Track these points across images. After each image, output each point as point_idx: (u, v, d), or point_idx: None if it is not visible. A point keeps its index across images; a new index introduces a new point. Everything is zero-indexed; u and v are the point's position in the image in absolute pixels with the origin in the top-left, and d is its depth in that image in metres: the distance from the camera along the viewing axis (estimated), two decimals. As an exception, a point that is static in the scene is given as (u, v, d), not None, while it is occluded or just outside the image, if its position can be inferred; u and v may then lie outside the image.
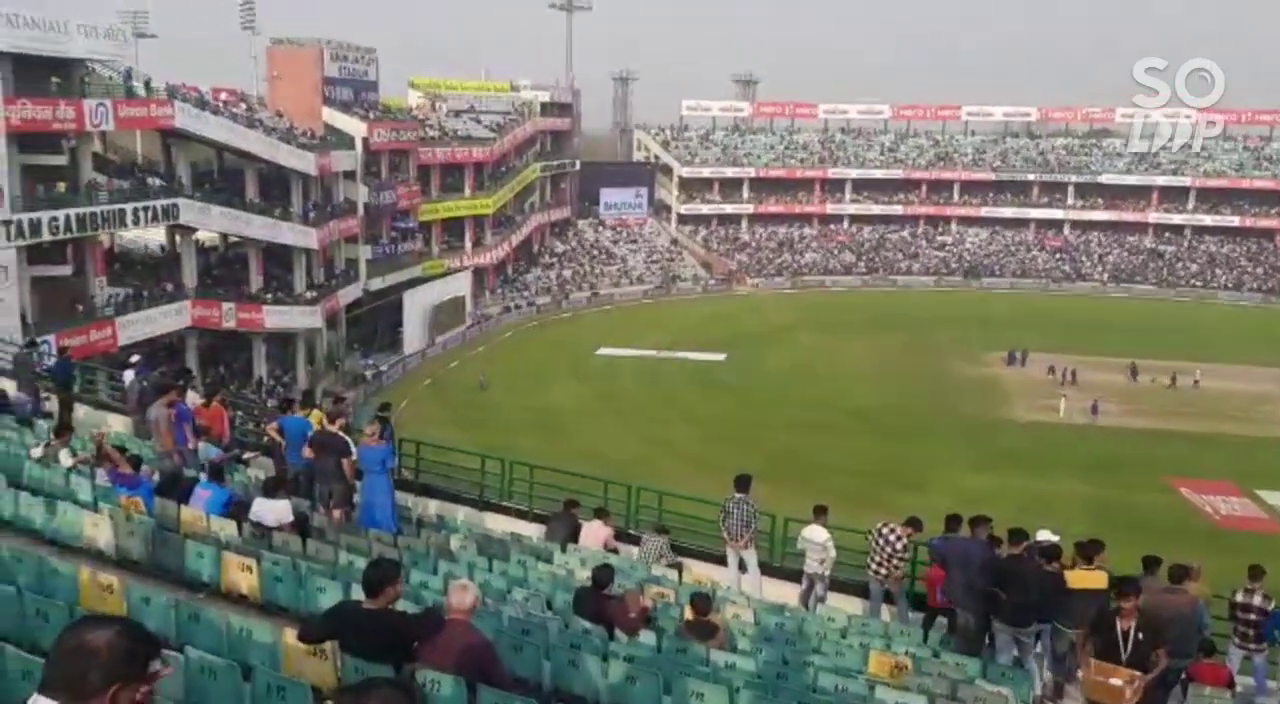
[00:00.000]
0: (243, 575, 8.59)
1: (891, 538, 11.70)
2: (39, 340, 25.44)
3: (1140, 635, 8.48)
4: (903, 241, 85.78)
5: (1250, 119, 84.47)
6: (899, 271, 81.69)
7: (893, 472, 35.48)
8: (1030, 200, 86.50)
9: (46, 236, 32.22)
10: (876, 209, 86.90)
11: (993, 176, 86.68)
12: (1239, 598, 10.47)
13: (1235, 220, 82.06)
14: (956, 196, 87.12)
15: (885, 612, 12.13)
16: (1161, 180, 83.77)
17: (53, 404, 17.24)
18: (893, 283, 79.64)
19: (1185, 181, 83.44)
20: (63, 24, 32.60)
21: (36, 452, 12.39)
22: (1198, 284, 78.54)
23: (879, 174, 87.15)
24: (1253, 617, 10.25)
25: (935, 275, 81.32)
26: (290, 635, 6.19)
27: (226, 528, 10.09)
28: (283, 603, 8.36)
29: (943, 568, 11.02)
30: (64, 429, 13.21)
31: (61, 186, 34.09)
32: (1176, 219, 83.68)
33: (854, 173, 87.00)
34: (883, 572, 11.76)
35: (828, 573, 12.46)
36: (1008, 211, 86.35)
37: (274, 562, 8.72)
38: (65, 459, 12.02)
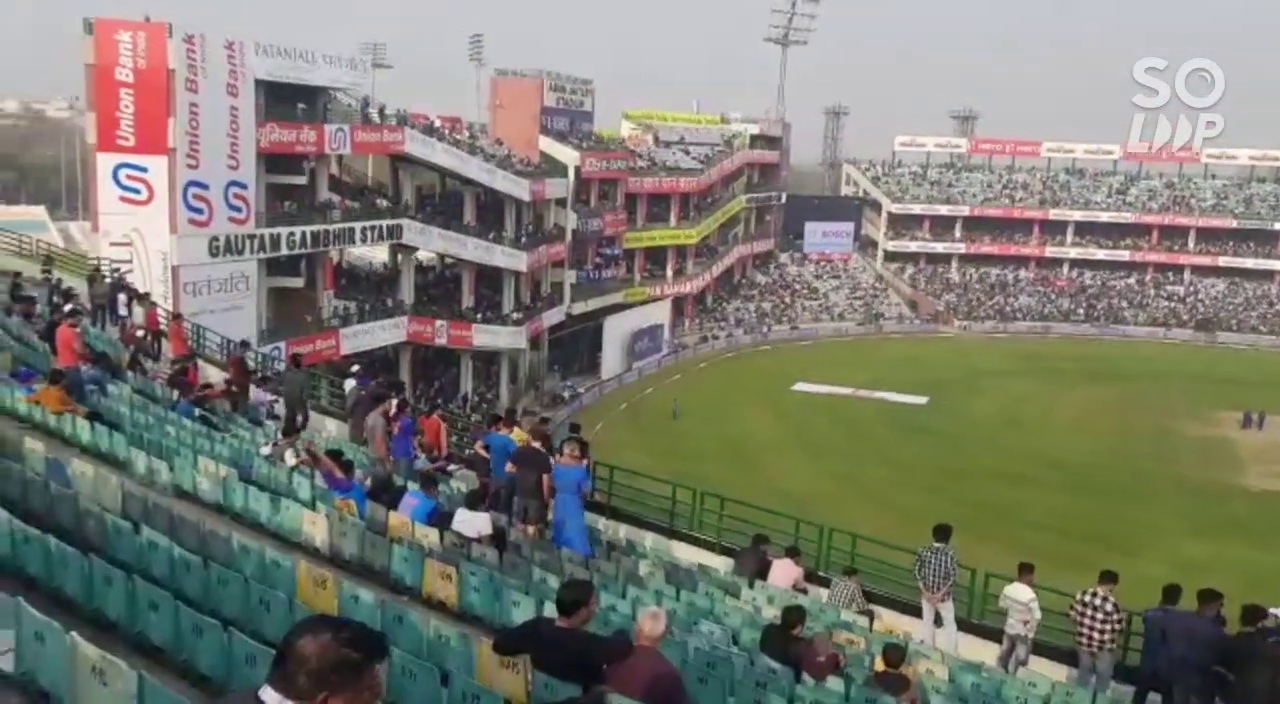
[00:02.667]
0: (442, 583, 8.92)
1: (1098, 602, 10.95)
2: (271, 347, 27.47)
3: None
4: (1128, 289, 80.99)
5: None
6: (1122, 321, 77.09)
7: (1102, 533, 33.31)
8: (1276, 251, 79.90)
9: (284, 251, 34.86)
10: (1100, 254, 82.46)
11: (1234, 224, 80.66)
12: None
13: None
14: (1192, 244, 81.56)
15: (1093, 682, 11.34)
16: None
17: (280, 407, 18.51)
18: (1115, 332, 75.18)
19: None
20: (311, 54, 35.35)
21: (265, 450, 13.34)
22: None
23: (1105, 217, 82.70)
24: None
25: (1163, 327, 76.22)
26: (485, 645, 6.36)
27: (430, 535, 10.52)
28: (478, 613, 8.62)
29: (1161, 642, 10.21)
30: (291, 430, 14.17)
31: (299, 206, 36.81)
32: None
33: (1077, 215, 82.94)
34: (1094, 640, 11.01)
35: (1031, 635, 11.78)
36: (1250, 262, 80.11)
37: (472, 572, 9.01)
38: (289, 458, 12.87)
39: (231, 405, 17.21)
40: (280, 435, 13.83)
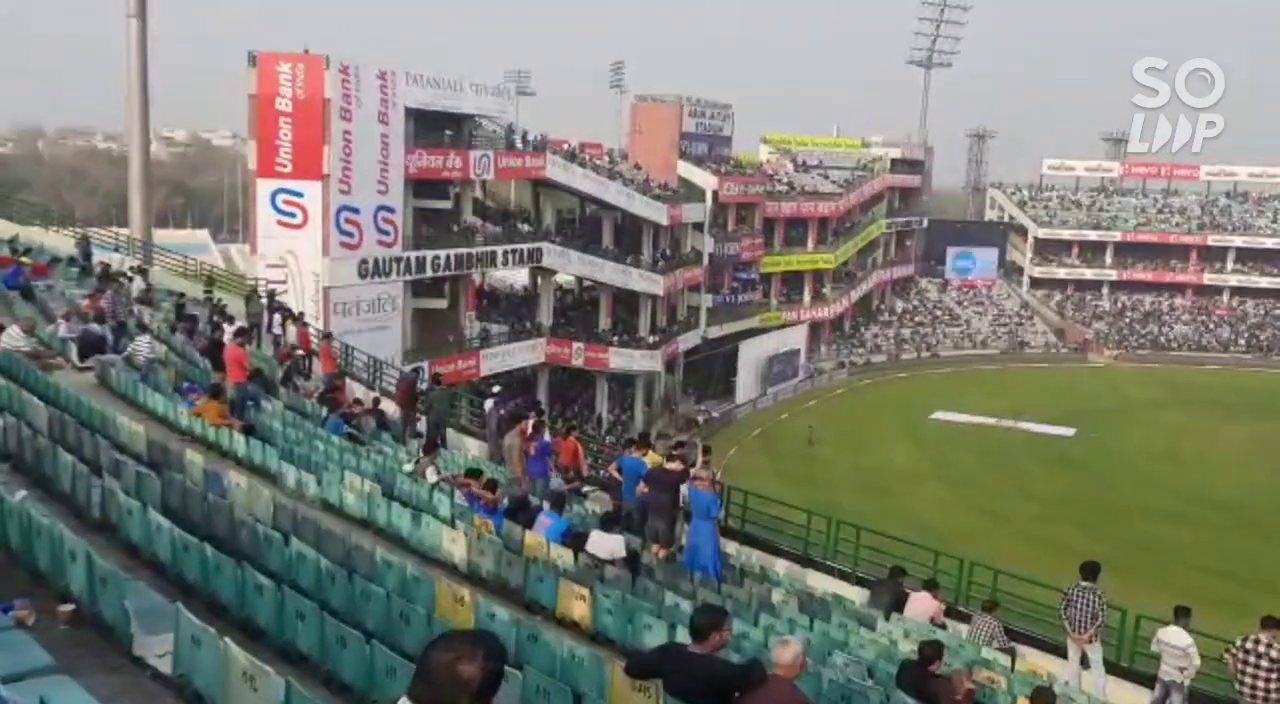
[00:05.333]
0: (576, 603, 8.99)
1: (1262, 650, 10.26)
2: (413, 366, 28.33)
3: None
4: (1294, 319, 76.22)
5: None
6: (1288, 352, 72.56)
7: (1267, 577, 31.17)
8: None
9: (429, 273, 36.01)
10: (1264, 282, 77.87)
11: None
12: None
13: None
14: (1365, 271, 76.31)
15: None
16: None
17: (424, 424, 19.05)
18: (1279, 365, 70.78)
19: None
20: (458, 83, 36.56)
21: (408, 467, 13.75)
22: None
23: (1270, 243, 78.12)
24: None
25: (1333, 359, 71.43)
26: (618, 668, 6.37)
27: (564, 556, 10.64)
28: (611, 635, 8.65)
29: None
30: (432, 447, 14.58)
31: (444, 229, 37.96)
32: None
33: (1239, 240, 78.59)
34: (1259, 690, 10.32)
35: (1187, 683, 11.13)
36: None
37: (605, 594, 9.06)
38: (431, 476, 13.23)
39: (378, 424, 17.81)
40: (422, 453, 14.23)
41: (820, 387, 60.58)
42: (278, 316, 24.05)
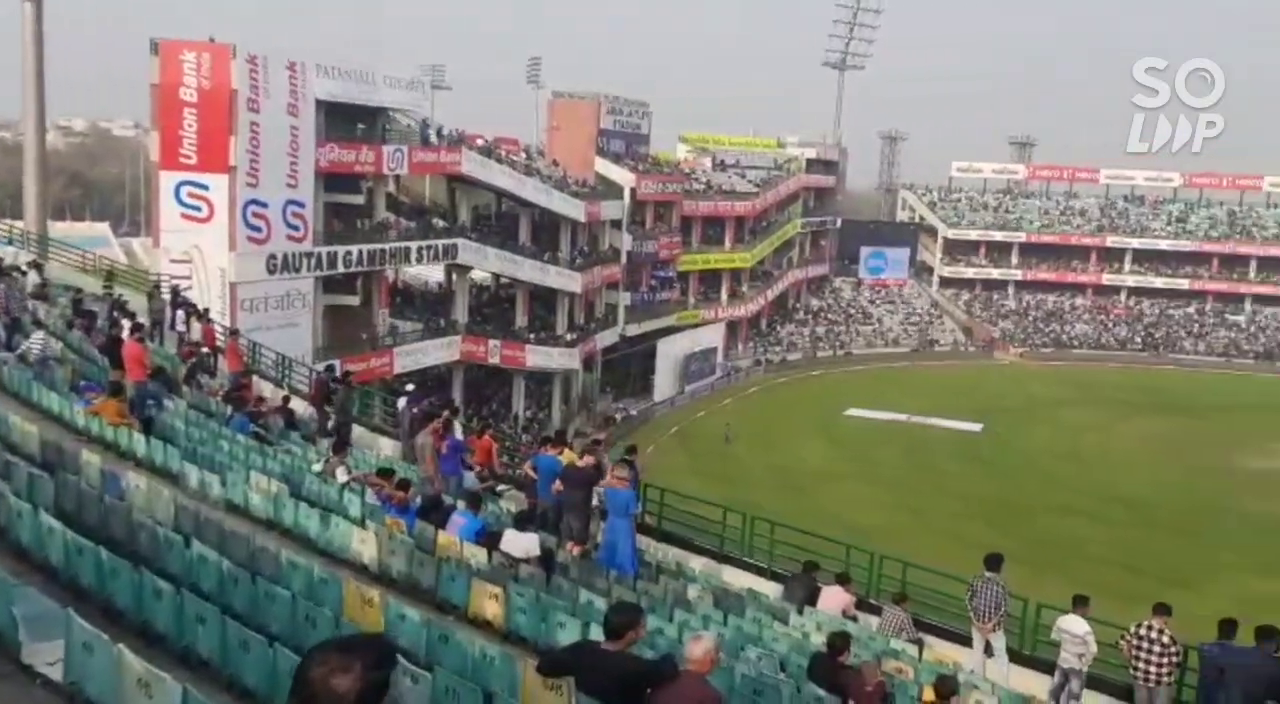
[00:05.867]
0: (489, 602, 8.91)
1: (1154, 635, 10.64)
2: (325, 364, 27.81)
3: None
4: (1187, 318, 79.33)
5: None
6: (1181, 350, 75.46)
7: (1160, 567, 32.39)
8: (1343, 280, 77.91)
9: (341, 269, 35.36)
10: (1159, 282, 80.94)
11: (1298, 252, 78.78)
12: None
13: None
14: (1254, 273, 79.73)
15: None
16: None
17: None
18: (1174, 362, 73.56)
19: None
20: (371, 75, 35.95)
21: (317, 467, 13.47)
22: None
23: (1165, 245, 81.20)
24: None
25: (1224, 356, 74.48)
26: (531, 667, 6.31)
27: (478, 555, 10.53)
28: (524, 634, 8.59)
29: (1217, 679, 9.90)
30: (341, 446, 14.30)
31: (357, 225, 37.34)
32: None
33: (1136, 243, 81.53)
34: (1152, 674, 10.70)
35: (1085, 669, 11.49)
36: (1314, 291, 78.09)
37: (519, 593, 8.99)
38: (341, 475, 12.98)
39: (287, 423, 17.41)
40: (331, 452, 13.95)
41: (737, 385, 61.13)
42: (181, 313, 23.37)
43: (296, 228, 33.15)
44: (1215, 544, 36.60)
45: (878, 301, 79.43)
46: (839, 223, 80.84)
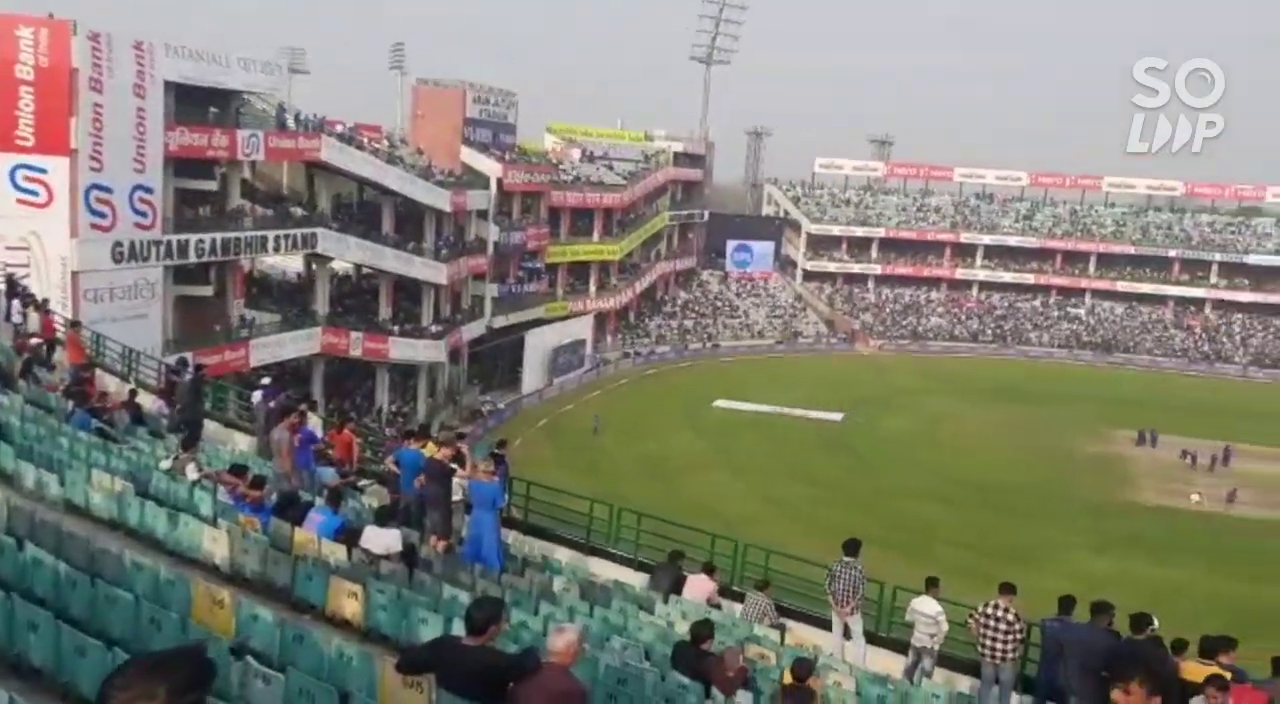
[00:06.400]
0: (348, 601, 8.68)
1: (999, 614, 11.15)
2: (177, 357, 26.61)
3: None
4: (1033, 312, 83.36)
5: None
6: (1028, 342, 79.28)
7: (1008, 548, 34.08)
8: (1171, 277, 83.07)
9: (193, 258, 33.91)
10: (1008, 277, 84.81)
11: (1132, 250, 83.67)
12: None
13: (1397, 308, 77.30)
14: (1093, 269, 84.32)
15: (995, 693, 11.52)
16: (1316, 263, 79.71)
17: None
18: (1021, 353, 77.26)
19: (1342, 265, 79.20)
20: (224, 57, 34.51)
21: (165, 464, 12.89)
22: (1352, 374, 73.92)
23: (1013, 241, 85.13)
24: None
25: (1066, 348, 78.61)
26: (389, 665, 6.18)
27: (337, 552, 10.25)
28: (385, 631, 8.41)
29: (1057, 653, 10.45)
30: (191, 442, 13.72)
31: (210, 212, 35.87)
32: (1330, 305, 79.31)
33: (986, 239, 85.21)
34: (997, 651, 11.20)
35: (937, 647, 11.96)
36: (1146, 287, 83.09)
37: (380, 590, 8.79)
38: (191, 473, 12.45)
39: (133, 418, 16.60)
40: (181, 449, 13.37)
41: (606, 377, 61.32)
42: (18, 303, 22.01)
43: (144, 214, 31.57)
44: (1057, 525, 38.70)
45: (744, 294, 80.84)
46: (706, 216, 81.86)
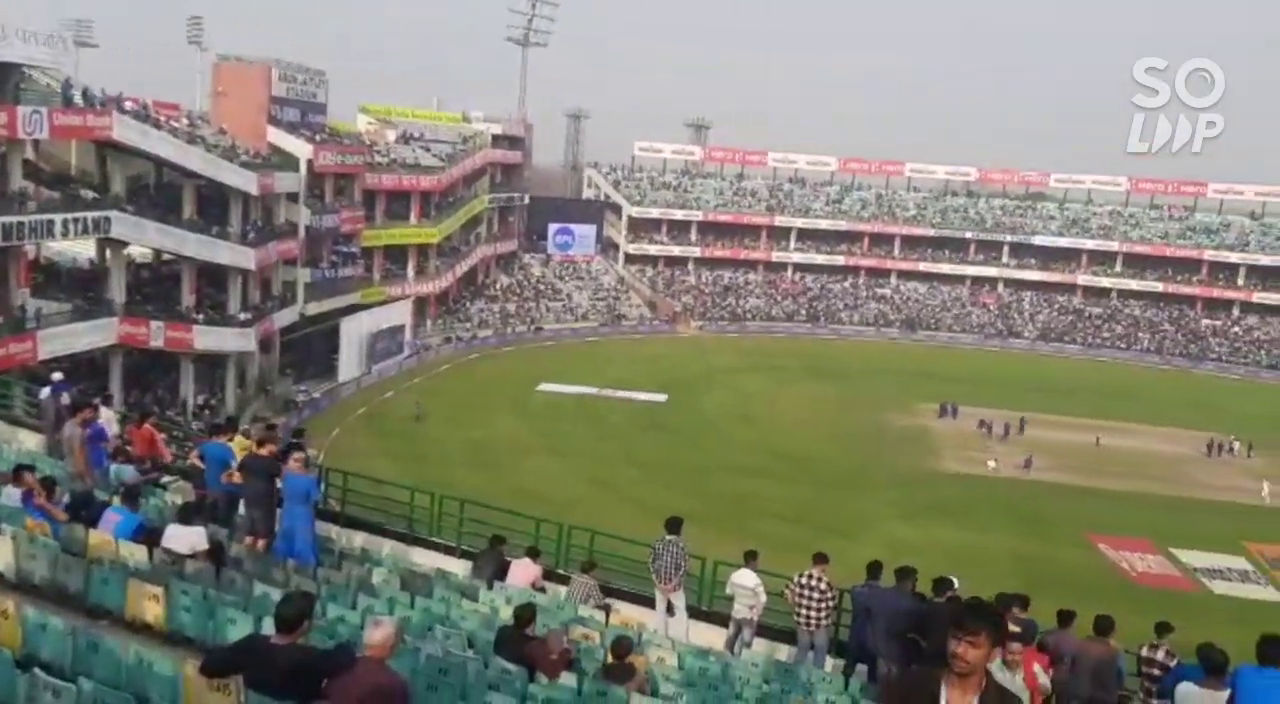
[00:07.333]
0: (149, 604, 8.24)
1: (813, 583, 11.63)
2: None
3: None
4: (844, 292, 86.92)
5: (1176, 190, 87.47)
6: (840, 321, 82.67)
7: (825, 519, 35.58)
8: (967, 258, 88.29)
9: (-30, 244, 31.26)
10: (820, 259, 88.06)
11: (932, 233, 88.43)
12: (1144, 652, 10.58)
13: (1159, 286, 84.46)
14: (897, 250, 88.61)
15: (811, 658, 12.02)
16: (1090, 244, 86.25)
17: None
18: (833, 332, 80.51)
19: (1113, 246, 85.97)
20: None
21: (-60, 466, 11.87)
22: (1122, 346, 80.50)
23: (824, 224, 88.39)
24: (1156, 672, 10.33)
25: (874, 326, 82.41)
26: (192, 669, 5.91)
27: (136, 554, 9.70)
28: (189, 634, 8.04)
29: (865, 616, 10.99)
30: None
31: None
32: (1104, 282, 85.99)
33: (800, 222, 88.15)
34: (812, 619, 11.67)
35: (756, 618, 12.35)
36: (945, 267, 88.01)
37: (184, 591, 8.37)
38: (-30, 475, 11.51)
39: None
40: (-42, 449, 12.34)
41: (427, 363, 60.26)
42: None
43: (-90, 196, 28.90)
44: (868, 496, 40.65)
45: (566, 278, 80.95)
46: (527, 199, 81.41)
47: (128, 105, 39.59)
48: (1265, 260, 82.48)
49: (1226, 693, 6.93)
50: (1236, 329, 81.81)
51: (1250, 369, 76.02)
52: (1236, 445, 51.25)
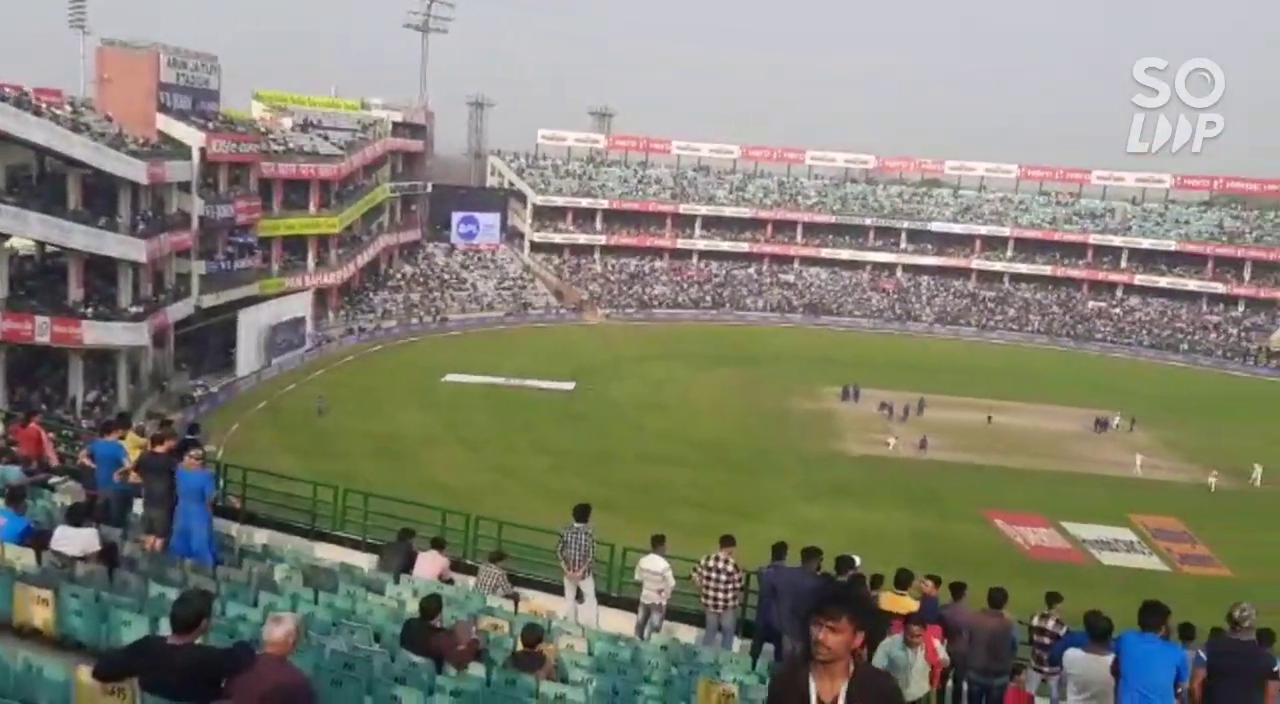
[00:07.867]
0: (37, 608, 7.98)
1: (720, 566, 11.81)
2: None
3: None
4: (749, 278, 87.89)
5: (1062, 176, 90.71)
6: (745, 308, 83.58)
7: (733, 503, 36.05)
8: (866, 243, 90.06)
9: None
10: (725, 245, 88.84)
11: (833, 219, 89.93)
12: (1035, 622, 11.04)
13: (1048, 269, 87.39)
14: (800, 237, 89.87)
15: (719, 640, 12.21)
16: (983, 230, 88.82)
17: None
18: (739, 318, 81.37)
19: (1005, 232, 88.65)
20: None
21: None
22: (1014, 328, 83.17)
23: (728, 212, 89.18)
24: (1046, 640, 10.79)
25: (779, 312, 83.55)
26: (85, 673, 5.75)
27: (23, 557, 9.37)
28: (81, 638, 7.81)
29: (772, 596, 11.21)
30: None
31: None
32: (997, 266, 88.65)
33: (704, 209, 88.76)
34: (719, 601, 11.85)
35: (665, 602, 12.49)
36: (846, 253, 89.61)
37: (74, 594, 8.12)
38: None
39: None
40: None
41: (329, 355, 59.13)
42: None
43: None
44: (774, 479, 41.33)
45: (471, 266, 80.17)
46: (429, 188, 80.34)
47: (5, 92, 37.90)
48: (1146, 244, 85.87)
49: (1111, 657, 7.28)
50: (1118, 310, 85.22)
51: (1133, 348, 79.24)
52: (1118, 421, 53.48)
